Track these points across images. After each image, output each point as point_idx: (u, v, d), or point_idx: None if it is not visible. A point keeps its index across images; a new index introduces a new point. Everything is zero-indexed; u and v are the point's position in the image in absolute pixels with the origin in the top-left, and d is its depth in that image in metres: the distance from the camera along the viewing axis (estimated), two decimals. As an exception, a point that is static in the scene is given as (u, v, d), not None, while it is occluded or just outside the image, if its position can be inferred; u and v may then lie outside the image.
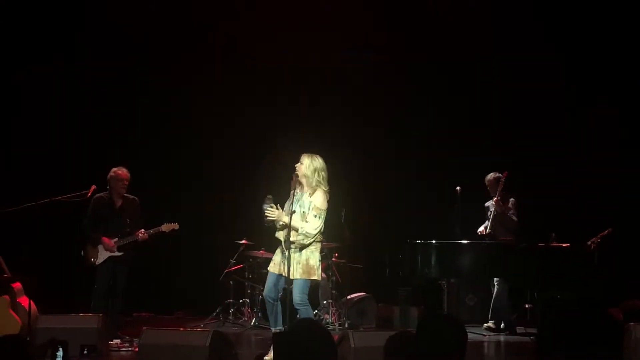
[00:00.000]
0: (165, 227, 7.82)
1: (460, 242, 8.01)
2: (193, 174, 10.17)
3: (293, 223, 6.52)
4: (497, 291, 8.51)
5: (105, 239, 7.78)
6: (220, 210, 10.06)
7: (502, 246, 8.06)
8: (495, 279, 8.48)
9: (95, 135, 9.83)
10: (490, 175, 8.58)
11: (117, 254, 7.79)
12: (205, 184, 10.16)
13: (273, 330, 6.81)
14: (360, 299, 8.99)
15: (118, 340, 7.56)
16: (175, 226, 7.84)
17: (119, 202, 7.93)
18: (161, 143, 10.17)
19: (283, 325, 6.79)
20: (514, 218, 8.46)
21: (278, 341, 3.34)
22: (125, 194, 7.96)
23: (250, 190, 9.34)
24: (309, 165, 6.66)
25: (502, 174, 8.44)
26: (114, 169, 7.92)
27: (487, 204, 8.67)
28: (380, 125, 10.04)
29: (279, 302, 6.83)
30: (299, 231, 6.56)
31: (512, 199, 8.55)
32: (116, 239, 7.80)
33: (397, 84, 9.96)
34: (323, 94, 10.02)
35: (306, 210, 6.63)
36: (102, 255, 7.78)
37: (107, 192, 7.90)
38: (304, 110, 10.00)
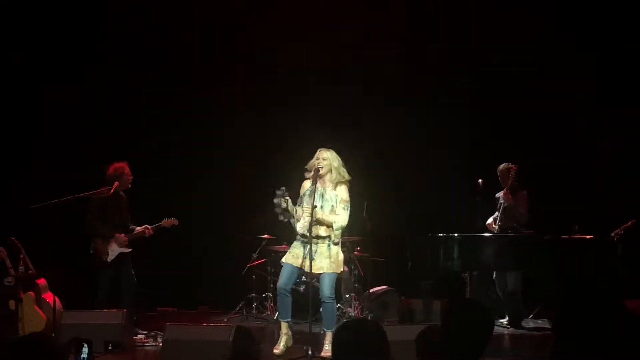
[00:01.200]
0: (166, 223, 7.98)
1: (483, 235, 8.05)
2: (214, 168, 10.09)
3: (325, 218, 6.66)
4: (511, 283, 8.40)
5: (121, 235, 7.77)
6: (242, 205, 9.99)
7: (526, 239, 7.99)
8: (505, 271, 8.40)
9: (108, 132, 9.79)
10: (502, 166, 8.44)
11: (126, 250, 7.80)
12: (226, 179, 10.08)
13: (281, 321, 6.86)
14: (383, 293, 8.95)
15: (142, 336, 7.60)
16: (175, 222, 8.00)
17: (123, 197, 7.95)
18: (178, 140, 10.12)
19: (291, 318, 6.87)
20: (522, 211, 8.33)
21: (334, 339, 3.33)
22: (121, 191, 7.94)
23: (272, 184, 9.36)
24: (333, 159, 6.81)
25: (512, 166, 8.35)
26: (121, 164, 7.88)
27: (497, 195, 8.53)
28: (402, 118, 9.89)
29: (291, 295, 6.90)
30: (335, 225, 6.69)
31: (524, 192, 8.41)
32: (125, 237, 7.81)
33: (417, 76, 9.86)
34: (340, 84, 9.92)
35: (334, 204, 6.72)
36: (114, 251, 7.76)
37: (109, 187, 7.78)
38: (320, 100, 9.91)
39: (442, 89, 9.89)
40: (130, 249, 7.84)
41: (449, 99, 9.84)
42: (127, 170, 7.91)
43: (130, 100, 9.90)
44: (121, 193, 7.95)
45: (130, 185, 7.97)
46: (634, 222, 8.15)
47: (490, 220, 8.52)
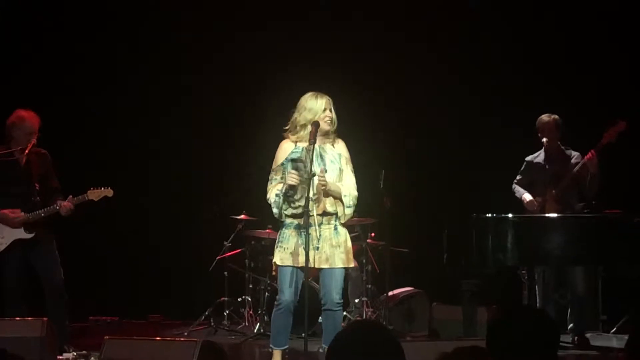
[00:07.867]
0: (93, 194, 7.58)
1: (548, 216, 7.94)
2: (166, 125, 10.23)
3: (333, 188, 6.53)
4: (580, 283, 8.40)
5: (6, 212, 7.55)
6: (209, 174, 10.13)
7: (615, 221, 7.76)
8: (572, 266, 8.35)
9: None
10: (549, 118, 8.37)
11: (26, 236, 7.58)
12: (185, 140, 10.24)
13: (275, 349, 6.69)
14: (407, 297, 9.02)
15: (69, 355, 7.58)
16: (108, 192, 7.62)
17: (22, 160, 7.71)
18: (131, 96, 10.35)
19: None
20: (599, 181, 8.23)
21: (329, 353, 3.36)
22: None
23: (249, 145, 9.58)
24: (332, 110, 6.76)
25: (619, 122, 8.06)
26: (20, 112, 7.67)
27: (536, 160, 8.56)
28: (433, 51, 9.91)
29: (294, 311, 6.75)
30: (346, 199, 6.58)
31: (577, 153, 8.37)
32: (22, 214, 7.60)
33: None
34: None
35: (342, 165, 6.67)
36: (5, 238, 7.58)
37: (4, 145, 7.66)
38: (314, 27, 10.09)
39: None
40: (33, 234, 7.59)
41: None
42: (29, 120, 7.64)
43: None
44: (41, 151, 7.81)
45: (31, 142, 7.61)
46: None
47: (527, 196, 8.48)
